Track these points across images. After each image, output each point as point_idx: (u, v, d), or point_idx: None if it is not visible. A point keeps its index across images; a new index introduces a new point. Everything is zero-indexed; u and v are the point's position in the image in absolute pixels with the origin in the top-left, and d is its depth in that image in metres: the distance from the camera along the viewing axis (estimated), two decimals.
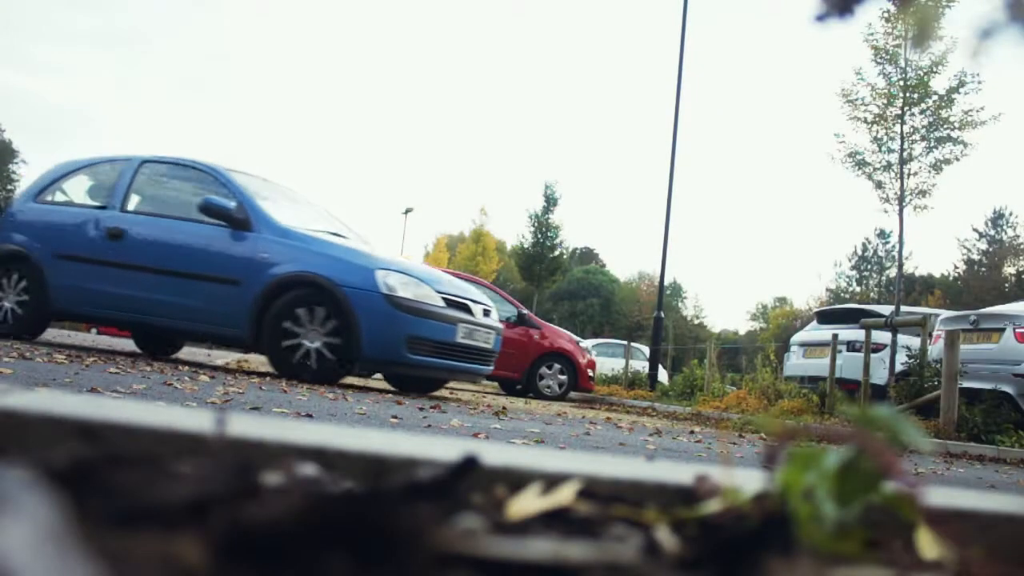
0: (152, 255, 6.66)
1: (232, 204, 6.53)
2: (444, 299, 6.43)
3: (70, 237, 7.00)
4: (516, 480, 0.68)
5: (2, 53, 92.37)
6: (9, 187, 65.92)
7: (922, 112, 13.93)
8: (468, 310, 6.73)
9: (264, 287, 6.19)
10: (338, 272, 6.07)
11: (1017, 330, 8.42)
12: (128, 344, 13.01)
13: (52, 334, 15.93)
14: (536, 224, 36.66)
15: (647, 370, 14.97)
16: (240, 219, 6.47)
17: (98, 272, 6.79)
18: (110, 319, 7.13)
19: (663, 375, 17.39)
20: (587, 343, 13.45)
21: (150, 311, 6.62)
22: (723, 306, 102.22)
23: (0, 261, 7.25)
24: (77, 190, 7.57)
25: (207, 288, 6.43)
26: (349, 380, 7.57)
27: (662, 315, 14.55)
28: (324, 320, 6.04)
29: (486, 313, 7.10)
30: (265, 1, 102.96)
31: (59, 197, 7.51)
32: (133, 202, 7.12)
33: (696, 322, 61.11)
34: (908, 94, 13.83)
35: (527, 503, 0.60)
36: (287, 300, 6.10)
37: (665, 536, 0.56)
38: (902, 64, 13.90)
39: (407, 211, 43.89)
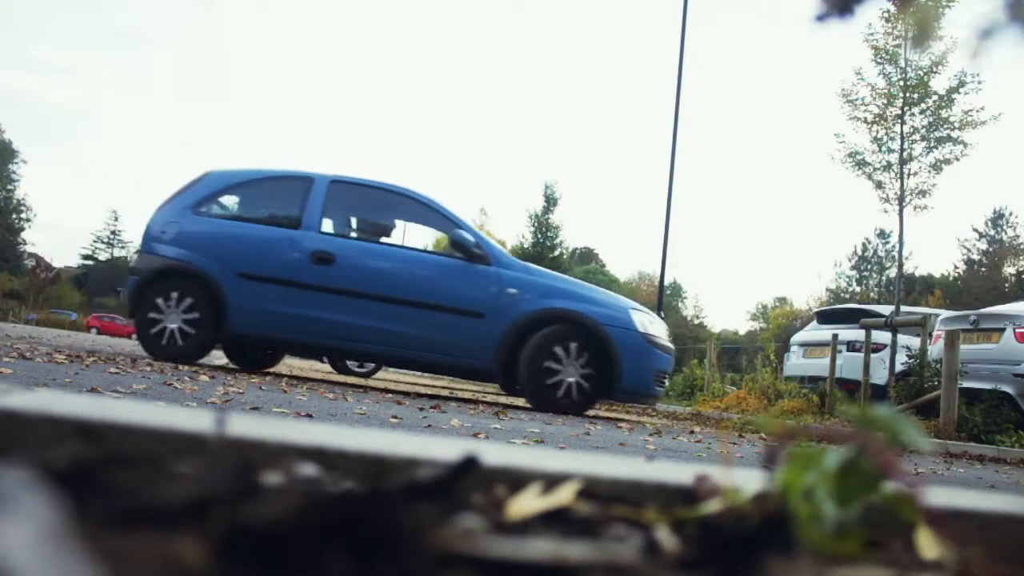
0: (375, 283, 6.42)
1: (471, 237, 6.55)
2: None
3: (260, 257, 6.52)
4: (516, 480, 0.68)
5: (2, 53, 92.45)
6: (9, 187, 65.87)
7: (922, 112, 13.92)
8: (670, 339, 7.09)
9: (515, 321, 6.29)
10: (597, 310, 6.36)
11: (1017, 330, 8.42)
12: (126, 345, 13.00)
13: (52, 334, 15.93)
14: (536, 224, 36.68)
15: None
16: (479, 254, 6.48)
17: (299, 296, 6.40)
18: (307, 345, 6.74)
19: None
20: None
21: (370, 339, 6.40)
22: (723, 306, 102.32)
23: (156, 277, 6.59)
24: (243, 204, 7.06)
25: (446, 319, 6.35)
26: (352, 380, 7.55)
27: (662, 315, 14.54)
28: (579, 354, 6.26)
29: None
30: (265, 1, 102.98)
31: (218, 210, 6.94)
32: (328, 224, 6.79)
33: (696, 322, 61.13)
34: (908, 94, 13.82)
35: (527, 503, 0.60)
36: (546, 335, 6.25)
37: (665, 536, 0.56)
38: (902, 64, 13.89)
39: None
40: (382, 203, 7.02)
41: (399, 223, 7.13)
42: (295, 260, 6.46)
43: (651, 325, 6.62)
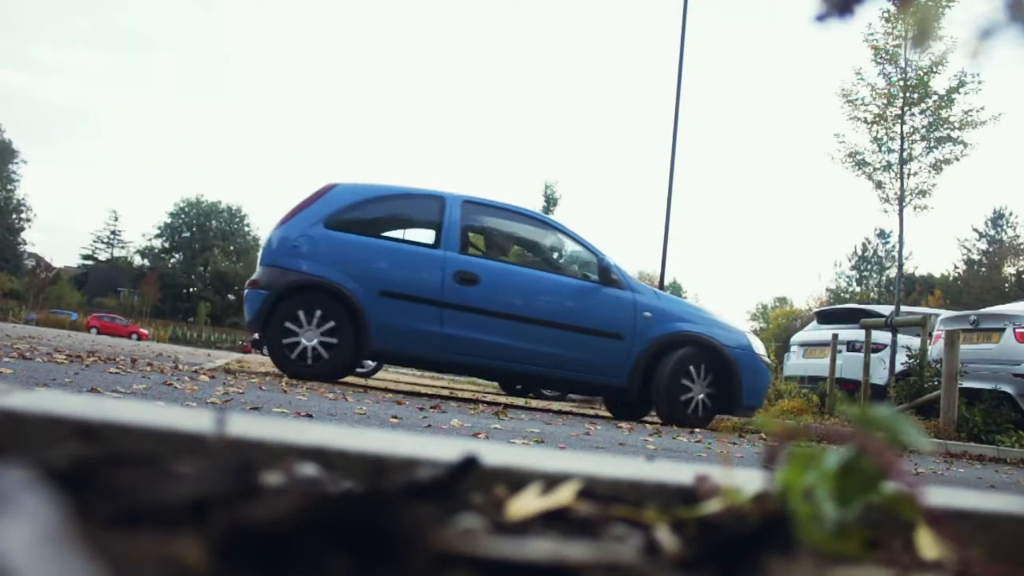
0: (521, 304, 6.60)
1: (611, 262, 6.87)
2: None
3: (403, 275, 6.51)
4: (516, 480, 0.68)
5: (2, 53, 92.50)
6: (9, 187, 65.84)
7: (922, 112, 13.90)
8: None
9: (651, 343, 6.71)
10: (722, 334, 6.93)
11: (1017, 330, 8.42)
12: (126, 345, 13.01)
13: (52, 334, 15.92)
14: None
15: None
16: (615, 279, 6.83)
17: (443, 315, 6.47)
18: (448, 363, 6.84)
19: None
20: None
21: (511, 358, 6.58)
22: (723, 306, 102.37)
23: (289, 293, 6.39)
24: (375, 221, 6.96)
25: (589, 340, 6.66)
26: (349, 379, 7.55)
27: None
28: (705, 374, 6.77)
29: None
30: (265, 1, 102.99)
31: (350, 225, 6.71)
32: (463, 244, 6.85)
33: None
34: (908, 94, 13.79)
35: (527, 503, 0.60)
36: (682, 356, 6.71)
37: (665, 536, 0.56)
38: (902, 64, 13.87)
39: None
40: (509, 224, 7.29)
41: (525, 246, 7.47)
42: (440, 280, 6.52)
43: (761, 345, 7.24)
